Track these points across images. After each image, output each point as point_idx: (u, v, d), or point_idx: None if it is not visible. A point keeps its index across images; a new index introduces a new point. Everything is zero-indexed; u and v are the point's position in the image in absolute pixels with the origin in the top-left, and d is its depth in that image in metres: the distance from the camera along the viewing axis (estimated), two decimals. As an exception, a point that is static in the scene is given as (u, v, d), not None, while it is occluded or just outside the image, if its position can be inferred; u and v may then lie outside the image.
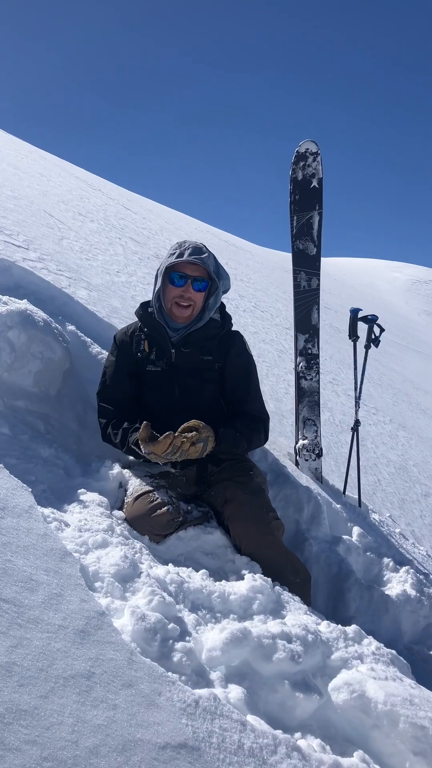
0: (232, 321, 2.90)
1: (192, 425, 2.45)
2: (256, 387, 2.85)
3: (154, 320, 2.72)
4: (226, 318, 2.84)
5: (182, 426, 2.44)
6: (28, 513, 1.74)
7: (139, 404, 2.79)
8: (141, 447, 2.41)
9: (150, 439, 2.39)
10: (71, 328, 3.21)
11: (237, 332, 2.86)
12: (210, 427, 2.49)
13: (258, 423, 2.77)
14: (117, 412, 2.70)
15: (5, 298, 2.76)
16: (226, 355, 2.75)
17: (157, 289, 2.69)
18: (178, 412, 2.63)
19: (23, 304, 2.78)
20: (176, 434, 2.39)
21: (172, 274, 2.64)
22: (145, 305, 2.79)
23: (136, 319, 2.83)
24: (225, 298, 3.03)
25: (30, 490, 1.86)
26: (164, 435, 2.37)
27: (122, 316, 3.77)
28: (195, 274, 2.62)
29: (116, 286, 4.39)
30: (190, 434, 2.40)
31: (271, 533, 2.43)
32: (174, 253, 2.63)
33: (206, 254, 2.64)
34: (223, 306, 2.88)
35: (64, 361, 2.87)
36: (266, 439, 2.85)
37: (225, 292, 2.80)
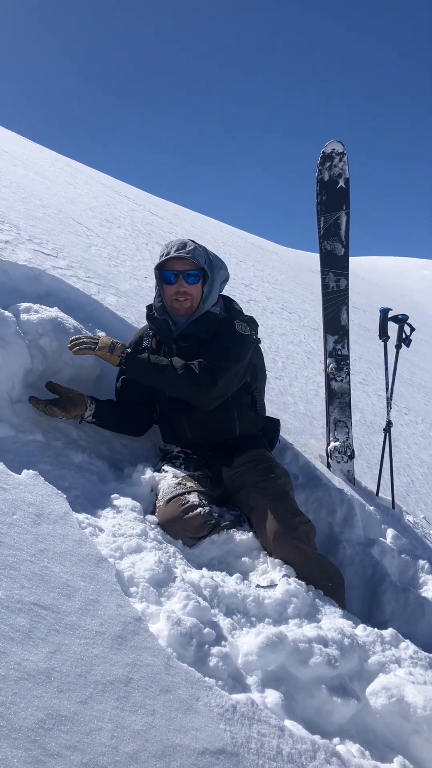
0: (258, 323, 2.89)
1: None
2: (225, 351, 2.64)
3: (157, 319, 2.81)
4: (231, 312, 2.83)
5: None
6: (63, 519, 1.76)
7: (151, 401, 2.84)
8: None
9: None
10: (101, 334, 3.23)
11: (234, 319, 2.78)
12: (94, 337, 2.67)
13: (203, 373, 2.55)
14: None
15: (36, 306, 2.80)
16: None
17: (158, 290, 2.81)
18: (185, 407, 2.67)
19: (54, 312, 2.81)
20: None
21: (164, 274, 2.75)
22: (150, 307, 2.89)
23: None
24: (253, 300, 3.02)
25: (64, 496, 1.87)
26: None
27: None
28: (185, 268, 2.70)
29: (144, 292, 4.41)
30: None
31: (298, 539, 2.40)
32: (162, 254, 2.75)
33: (192, 247, 2.73)
34: (230, 301, 2.89)
35: (95, 367, 2.90)
36: (204, 394, 2.57)
37: (224, 281, 2.85)
